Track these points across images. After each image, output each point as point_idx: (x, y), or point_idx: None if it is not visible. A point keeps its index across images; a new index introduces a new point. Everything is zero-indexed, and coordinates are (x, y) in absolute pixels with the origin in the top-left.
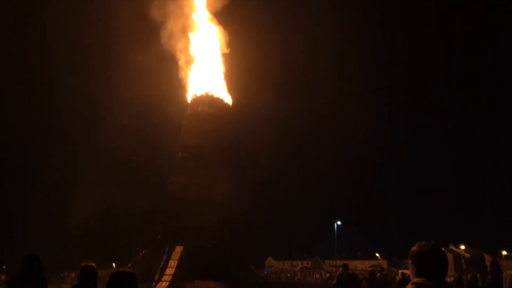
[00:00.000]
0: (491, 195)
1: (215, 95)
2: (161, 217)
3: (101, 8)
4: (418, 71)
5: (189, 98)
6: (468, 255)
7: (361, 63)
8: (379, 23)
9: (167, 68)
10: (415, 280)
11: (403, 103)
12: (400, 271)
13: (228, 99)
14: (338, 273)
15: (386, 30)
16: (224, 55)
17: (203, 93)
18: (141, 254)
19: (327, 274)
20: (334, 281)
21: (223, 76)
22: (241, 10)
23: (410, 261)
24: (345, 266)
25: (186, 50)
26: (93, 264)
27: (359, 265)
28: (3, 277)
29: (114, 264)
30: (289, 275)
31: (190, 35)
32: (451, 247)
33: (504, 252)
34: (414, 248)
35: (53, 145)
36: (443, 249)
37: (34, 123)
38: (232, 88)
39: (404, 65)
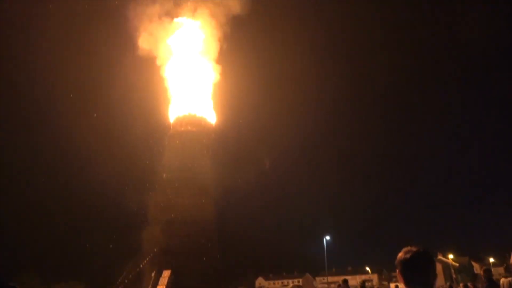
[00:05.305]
0: (477, 203)
1: (198, 115)
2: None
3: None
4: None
5: (172, 118)
6: (456, 264)
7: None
8: (365, 32)
9: (149, 89)
10: None
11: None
12: (391, 284)
13: (211, 118)
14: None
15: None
16: (211, 75)
17: (186, 113)
18: (130, 277)
19: None
20: None
21: (207, 96)
22: (232, 34)
23: (397, 270)
24: (345, 282)
25: (168, 70)
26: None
27: (351, 281)
28: None
29: None
30: None
31: (173, 55)
32: (440, 257)
33: (492, 260)
34: (400, 255)
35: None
36: (430, 253)
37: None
38: (216, 108)
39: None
